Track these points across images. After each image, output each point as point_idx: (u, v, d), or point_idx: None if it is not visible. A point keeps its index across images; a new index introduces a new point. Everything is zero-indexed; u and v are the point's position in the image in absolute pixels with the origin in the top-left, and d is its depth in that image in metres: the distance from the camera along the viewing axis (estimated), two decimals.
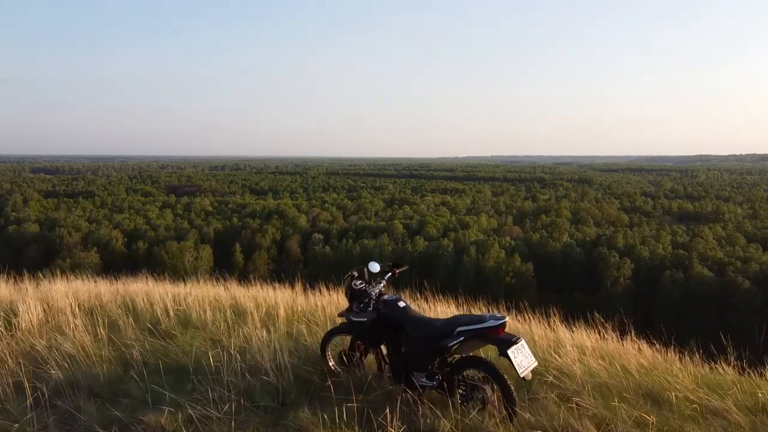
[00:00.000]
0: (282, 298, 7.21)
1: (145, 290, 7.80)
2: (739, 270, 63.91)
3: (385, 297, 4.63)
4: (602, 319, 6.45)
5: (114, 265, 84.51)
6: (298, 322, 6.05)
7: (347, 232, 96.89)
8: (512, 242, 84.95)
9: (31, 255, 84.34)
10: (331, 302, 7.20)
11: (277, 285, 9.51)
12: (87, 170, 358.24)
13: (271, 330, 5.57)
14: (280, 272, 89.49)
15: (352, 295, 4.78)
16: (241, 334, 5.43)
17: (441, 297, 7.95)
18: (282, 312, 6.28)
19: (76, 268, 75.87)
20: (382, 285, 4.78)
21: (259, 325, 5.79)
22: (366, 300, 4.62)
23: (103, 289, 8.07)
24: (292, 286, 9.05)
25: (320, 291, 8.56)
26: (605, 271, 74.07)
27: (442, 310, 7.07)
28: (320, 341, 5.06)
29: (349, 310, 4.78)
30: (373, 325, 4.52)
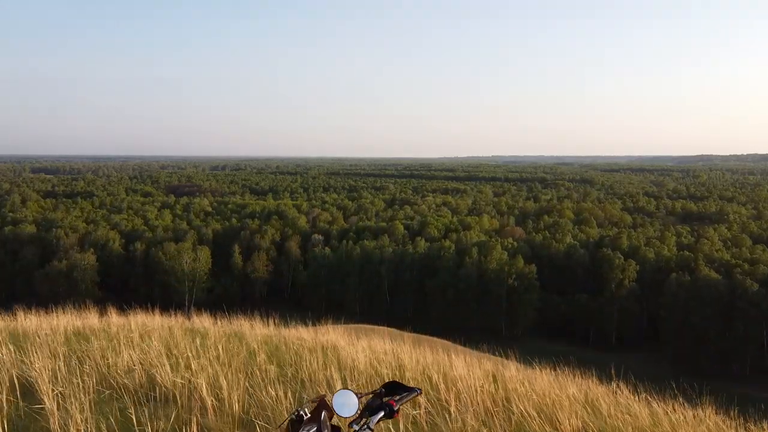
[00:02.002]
0: (210, 365, 4.89)
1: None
2: (746, 272, 62.73)
3: None
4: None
5: (111, 267, 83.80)
6: None
7: (348, 233, 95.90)
8: (515, 243, 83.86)
9: (27, 256, 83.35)
10: (295, 379, 4.97)
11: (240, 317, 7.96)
12: (87, 170, 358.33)
13: None
14: (277, 273, 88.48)
15: None
16: None
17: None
18: None
19: (72, 270, 74.94)
20: None
21: None
22: None
23: None
24: (266, 318, 7.46)
25: (298, 328, 7.06)
26: (609, 272, 72.96)
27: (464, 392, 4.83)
28: None
29: None
30: None
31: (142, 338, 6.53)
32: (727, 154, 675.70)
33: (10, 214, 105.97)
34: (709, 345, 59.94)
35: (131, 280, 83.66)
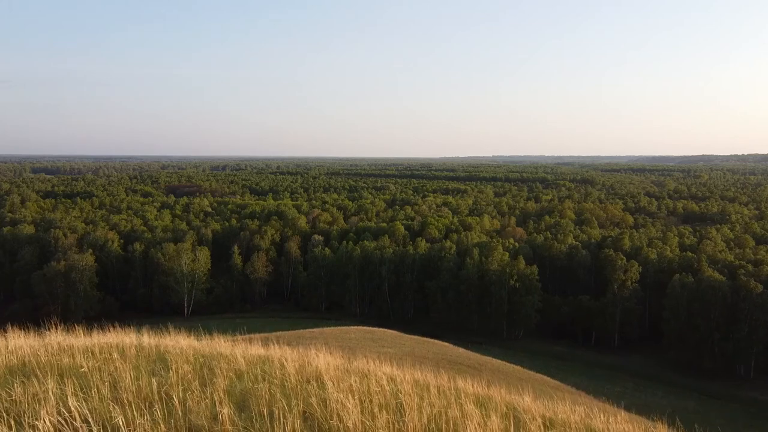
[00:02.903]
0: None
1: None
2: (750, 273, 62.10)
3: None
4: None
5: (110, 268, 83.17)
6: None
7: (348, 233, 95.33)
8: (516, 244, 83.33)
9: (26, 257, 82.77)
10: None
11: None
12: (88, 170, 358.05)
13: None
14: (277, 272, 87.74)
15: None
16: None
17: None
18: None
19: (71, 271, 74.32)
20: None
21: None
22: None
23: None
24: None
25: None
26: (612, 273, 72.34)
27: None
28: None
29: None
30: None
31: (86, 376, 5.48)
32: (728, 154, 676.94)
33: (9, 214, 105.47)
34: (713, 347, 59.38)
35: (130, 281, 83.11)
